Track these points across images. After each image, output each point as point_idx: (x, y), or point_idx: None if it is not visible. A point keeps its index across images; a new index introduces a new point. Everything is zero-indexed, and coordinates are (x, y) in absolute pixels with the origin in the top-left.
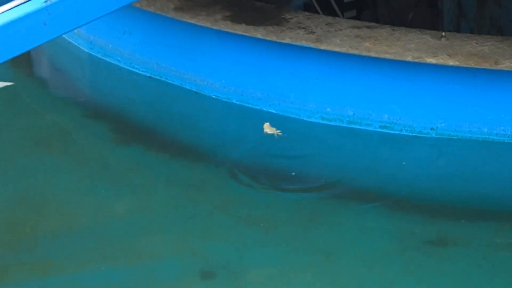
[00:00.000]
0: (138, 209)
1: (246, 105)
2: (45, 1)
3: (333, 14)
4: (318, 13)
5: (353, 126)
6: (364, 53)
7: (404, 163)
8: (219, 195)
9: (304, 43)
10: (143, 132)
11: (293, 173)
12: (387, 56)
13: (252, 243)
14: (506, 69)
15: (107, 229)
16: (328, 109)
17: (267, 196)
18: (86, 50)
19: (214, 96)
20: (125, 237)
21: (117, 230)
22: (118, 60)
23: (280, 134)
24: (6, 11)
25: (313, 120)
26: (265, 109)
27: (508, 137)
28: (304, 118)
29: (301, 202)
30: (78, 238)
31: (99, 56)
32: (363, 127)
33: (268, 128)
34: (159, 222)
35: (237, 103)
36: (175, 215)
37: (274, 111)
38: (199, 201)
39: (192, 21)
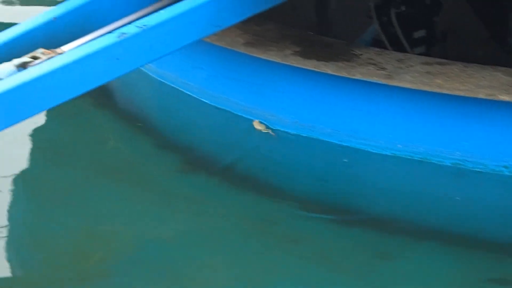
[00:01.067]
0: (207, 242)
1: (315, 141)
2: (119, 36)
3: (402, 49)
4: (386, 48)
5: (424, 163)
6: (436, 90)
7: (473, 200)
8: (288, 229)
9: (375, 79)
10: (214, 163)
11: (361, 208)
12: (459, 93)
13: (322, 282)
14: None
15: (173, 262)
16: (398, 145)
17: (335, 231)
18: (157, 82)
19: (283, 131)
20: (191, 270)
21: (183, 263)
22: (189, 94)
23: (271, 133)
24: (80, 45)
25: (383, 157)
26: (334, 145)
27: None
28: (374, 155)
29: (367, 237)
30: (145, 270)
31: (170, 88)
32: (434, 164)
33: (258, 125)
34: (227, 256)
35: (307, 138)
36: (244, 250)
37: (343, 147)
38: (268, 236)
39: (262, 56)
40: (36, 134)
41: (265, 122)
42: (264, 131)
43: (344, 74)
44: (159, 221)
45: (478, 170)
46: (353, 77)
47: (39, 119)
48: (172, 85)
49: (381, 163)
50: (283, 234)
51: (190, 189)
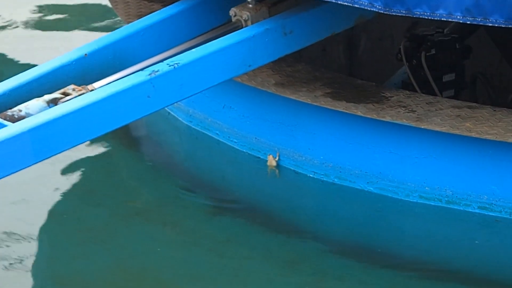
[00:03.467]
0: (233, 282)
1: (344, 182)
2: (150, 74)
3: (431, 92)
4: (416, 91)
5: (451, 206)
6: (465, 133)
7: (500, 245)
8: (314, 270)
9: (404, 122)
10: (240, 205)
11: (388, 251)
12: (488, 137)
13: None
14: None
15: None
16: (426, 188)
17: (362, 274)
18: (185, 123)
19: (312, 172)
20: None
21: None
22: (217, 134)
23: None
24: (111, 82)
25: (411, 199)
26: (362, 187)
27: None
28: (402, 197)
29: (395, 281)
30: None
31: (197, 129)
32: (461, 208)
33: (273, 161)
34: None
35: (335, 179)
36: None
37: (371, 189)
38: (294, 276)
39: (293, 97)
40: (65, 173)
41: (276, 159)
42: (272, 168)
43: (373, 116)
44: (187, 263)
45: (505, 214)
46: (383, 119)
47: (68, 159)
48: (201, 125)
49: (408, 205)
50: (309, 274)
51: (217, 231)
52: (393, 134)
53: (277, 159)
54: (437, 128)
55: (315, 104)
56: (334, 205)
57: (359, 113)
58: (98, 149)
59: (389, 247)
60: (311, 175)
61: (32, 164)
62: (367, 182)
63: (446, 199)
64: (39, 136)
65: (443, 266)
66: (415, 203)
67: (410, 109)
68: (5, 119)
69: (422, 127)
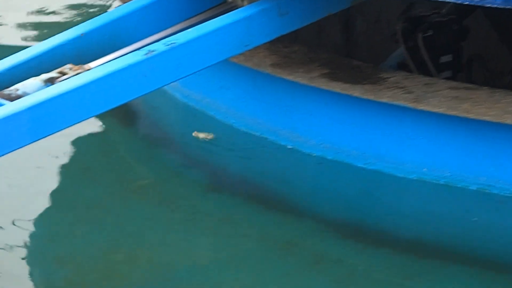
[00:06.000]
0: (229, 262)
1: (341, 163)
2: (146, 53)
3: (428, 73)
4: (412, 72)
5: (449, 187)
6: (463, 115)
7: (498, 224)
8: (312, 250)
9: (402, 103)
10: (238, 184)
11: (385, 232)
12: (486, 118)
13: None
14: None
15: (197, 280)
16: (424, 169)
17: (360, 255)
18: (182, 103)
19: (309, 153)
20: None
21: (206, 281)
22: (214, 114)
23: (210, 137)
24: (108, 62)
25: (408, 180)
26: (360, 167)
27: None
28: (400, 178)
29: (393, 261)
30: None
31: (195, 109)
32: (459, 189)
33: (201, 134)
34: (250, 277)
35: (332, 160)
36: (267, 271)
37: (369, 170)
38: (292, 257)
39: (289, 77)
40: (60, 151)
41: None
42: (207, 138)
43: (371, 97)
44: (184, 241)
45: (503, 194)
46: (380, 100)
47: (65, 137)
48: (198, 105)
49: (406, 186)
50: (306, 254)
51: (215, 209)
52: (390, 115)
53: (203, 135)
54: (435, 109)
55: (312, 85)
56: (332, 184)
57: (356, 94)
58: (93, 126)
59: (387, 227)
60: (308, 156)
61: (29, 143)
62: (365, 163)
63: (444, 180)
64: (36, 115)
65: (441, 244)
66: (413, 184)
67: (407, 90)
68: (2, 98)
69: (420, 108)
